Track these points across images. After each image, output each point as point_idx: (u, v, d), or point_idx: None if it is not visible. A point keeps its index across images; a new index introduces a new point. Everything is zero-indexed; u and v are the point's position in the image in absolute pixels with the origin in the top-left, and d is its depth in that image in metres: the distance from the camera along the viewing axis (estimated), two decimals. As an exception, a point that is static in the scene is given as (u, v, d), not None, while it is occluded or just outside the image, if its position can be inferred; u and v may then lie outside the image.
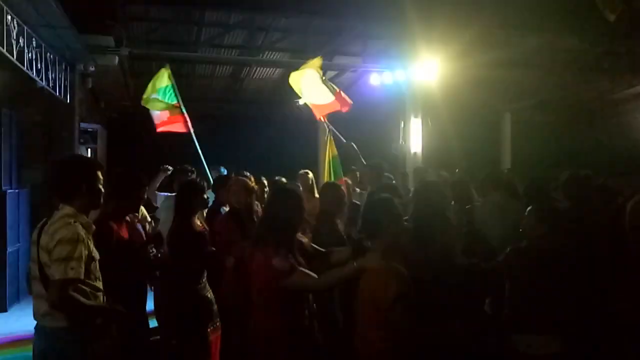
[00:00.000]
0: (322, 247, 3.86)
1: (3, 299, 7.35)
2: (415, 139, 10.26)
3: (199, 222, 4.41)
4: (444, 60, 9.19)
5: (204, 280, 4.33)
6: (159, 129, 7.05)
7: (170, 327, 4.24)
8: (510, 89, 11.78)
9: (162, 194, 6.12)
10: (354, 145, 6.83)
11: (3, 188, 7.55)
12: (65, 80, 8.24)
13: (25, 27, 6.31)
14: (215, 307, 4.36)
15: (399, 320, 2.85)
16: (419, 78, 9.59)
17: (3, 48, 5.70)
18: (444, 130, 10.70)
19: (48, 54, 7.29)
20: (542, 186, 5.02)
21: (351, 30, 9.86)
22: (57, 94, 7.88)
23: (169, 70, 7.08)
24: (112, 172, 3.89)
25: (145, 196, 4.25)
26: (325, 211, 4.59)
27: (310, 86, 7.18)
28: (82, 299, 2.70)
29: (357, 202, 5.76)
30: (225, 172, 7.45)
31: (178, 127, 7.03)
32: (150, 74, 11.83)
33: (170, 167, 6.42)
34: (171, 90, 6.98)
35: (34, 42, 6.67)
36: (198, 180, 4.88)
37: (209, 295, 4.33)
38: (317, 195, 6.05)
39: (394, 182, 6.36)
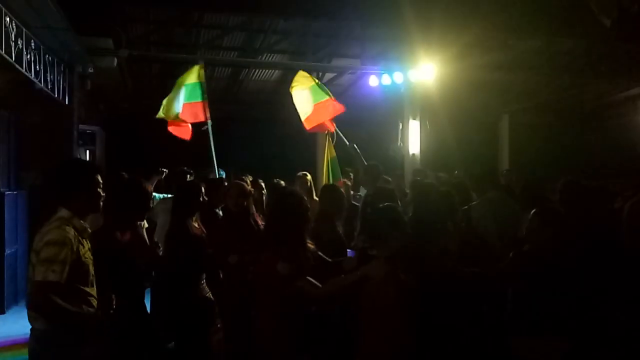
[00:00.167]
0: (322, 249, 3.85)
1: (1, 301, 7.35)
2: (413, 140, 10.26)
3: (196, 225, 4.40)
4: (441, 63, 9.20)
5: (202, 282, 4.33)
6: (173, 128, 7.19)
7: (170, 330, 4.24)
8: (508, 91, 11.80)
9: (159, 195, 6.10)
10: (356, 147, 6.85)
11: (1, 190, 7.59)
12: (64, 82, 8.23)
13: (24, 29, 6.31)
14: (215, 308, 4.36)
15: (399, 330, 2.86)
16: (417, 80, 9.60)
17: (2, 50, 5.68)
18: (442, 132, 10.71)
19: (47, 55, 7.29)
20: (540, 188, 5.04)
21: (349, 32, 9.87)
22: (56, 95, 7.88)
23: (202, 69, 7.18)
24: (112, 175, 3.89)
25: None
26: (325, 213, 4.60)
27: (304, 102, 7.23)
28: (62, 304, 2.63)
29: (356, 204, 5.77)
30: (224, 174, 7.45)
31: (184, 132, 7.13)
32: (150, 76, 11.99)
33: (164, 170, 6.42)
34: (198, 88, 7.04)
35: (32, 44, 6.67)
36: (195, 182, 4.89)
37: (208, 297, 4.33)
38: (315, 197, 6.07)
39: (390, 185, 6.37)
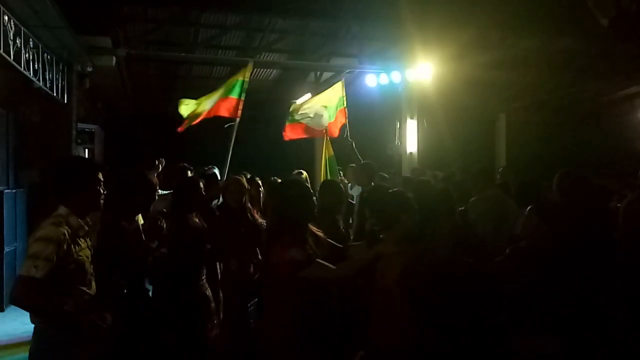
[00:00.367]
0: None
1: (0, 299, 7.36)
2: (411, 139, 10.28)
3: (197, 220, 4.42)
4: (439, 62, 9.22)
5: (203, 278, 4.36)
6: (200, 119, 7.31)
7: (169, 326, 4.23)
8: (505, 90, 11.81)
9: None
10: (353, 143, 6.89)
11: (0, 188, 7.57)
12: (62, 80, 8.23)
13: (23, 28, 6.31)
14: (213, 305, 4.40)
15: (402, 314, 2.88)
16: (414, 79, 9.61)
17: (0, 48, 5.70)
18: (439, 131, 10.73)
19: (45, 54, 7.29)
20: (537, 186, 5.05)
21: (348, 31, 9.89)
22: (54, 94, 7.88)
23: (250, 70, 7.49)
24: (114, 172, 3.91)
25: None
26: (325, 209, 4.58)
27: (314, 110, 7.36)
28: (42, 300, 2.63)
29: (352, 202, 5.79)
30: (217, 172, 7.47)
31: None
32: (148, 75, 12.01)
33: (161, 160, 6.44)
34: (239, 86, 7.28)
35: (31, 43, 6.67)
36: (195, 178, 4.94)
37: (207, 293, 4.35)
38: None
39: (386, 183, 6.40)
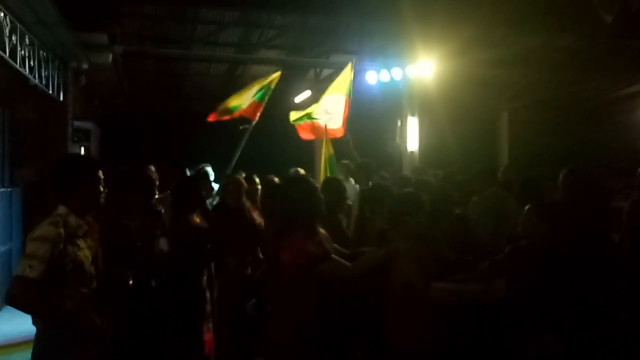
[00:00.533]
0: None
1: (-4, 300, 7.28)
2: (412, 137, 10.22)
3: (198, 219, 4.42)
4: (440, 59, 9.14)
5: (204, 278, 4.37)
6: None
7: (169, 326, 4.22)
8: (507, 88, 11.77)
9: None
10: (350, 141, 6.82)
11: (-5, 187, 7.51)
12: (58, 77, 8.18)
13: (18, 25, 6.24)
14: (209, 307, 4.40)
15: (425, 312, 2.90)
16: (415, 76, 9.53)
17: (-5, 45, 5.65)
18: (441, 129, 10.67)
19: (41, 51, 7.23)
20: (538, 185, 5.02)
21: (348, 28, 9.85)
22: (50, 91, 7.82)
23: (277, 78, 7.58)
24: (112, 169, 3.87)
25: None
26: (327, 208, 4.54)
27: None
28: (38, 300, 2.60)
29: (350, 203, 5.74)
30: (210, 170, 7.44)
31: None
32: (145, 72, 11.93)
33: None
34: (264, 91, 7.44)
35: (26, 40, 6.61)
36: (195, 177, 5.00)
37: (207, 295, 4.38)
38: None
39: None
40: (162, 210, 4.36)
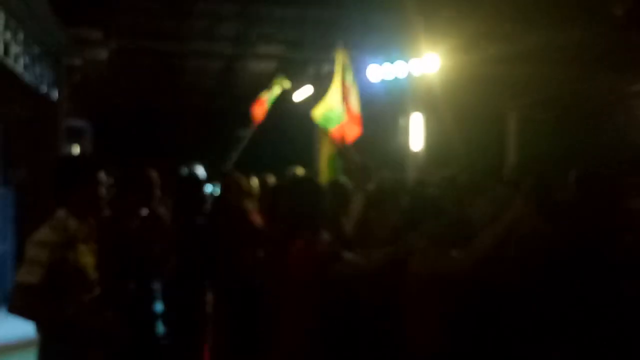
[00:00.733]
0: None
1: (-9, 299, 7.29)
2: (416, 135, 10.11)
3: (198, 220, 4.43)
4: (446, 55, 9.04)
5: (205, 280, 4.36)
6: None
7: (170, 327, 4.17)
8: (515, 85, 11.68)
9: None
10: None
11: (-13, 187, 7.54)
12: (51, 75, 8.12)
13: (11, 20, 6.13)
14: (210, 307, 4.42)
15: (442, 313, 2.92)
16: (420, 73, 9.42)
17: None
18: (446, 126, 10.58)
19: (34, 47, 7.14)
20: (546, 183, 4.99)
21: (350, 22, 9.70)
22: (43, 89, 7.77)
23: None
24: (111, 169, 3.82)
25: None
26: (330, 210, 4.50)
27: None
28: (40, 306, 2.60)
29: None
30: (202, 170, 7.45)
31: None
32: (140, 68, 11.82)
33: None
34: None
35: (20, 36, 6.52)
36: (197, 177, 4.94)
37: (208, 296, 4.39)
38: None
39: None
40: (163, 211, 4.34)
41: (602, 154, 11.18)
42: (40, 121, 8.47)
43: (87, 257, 2.80)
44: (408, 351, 3.12)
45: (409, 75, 9.61)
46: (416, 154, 9.89)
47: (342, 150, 6.67)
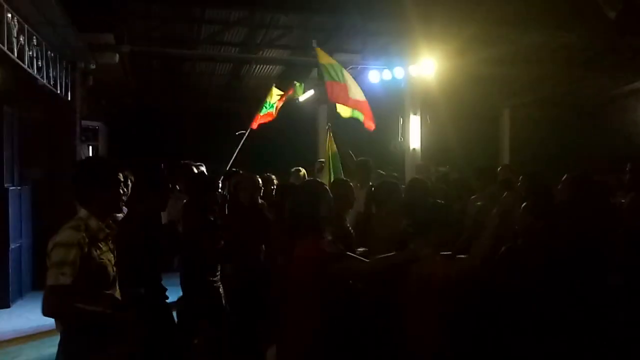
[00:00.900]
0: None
1: (6, 295, 7.42)
2: (414, 135, 10.21)
3: (212, 217, 4.47)
4: (442, 57, 9.15)
5: (217, 274, 4.43)
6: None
7: (184, 323, 4.27)
8: (509, 86, 11.73)
9: None
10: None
11: (5, 185, 7.63)
12: (66, 78, 8.29)
13: (26, 26, 6.33)
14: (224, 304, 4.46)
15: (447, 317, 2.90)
16: (418, 75, 9.56)
17: (4, 46, 5.73)
18: (443, 127, 10.67)
19: (49, 52, 7.32)
20: (541, 182, 5.02)
21: (351, 27, 9.84)
22: (58, 91, 7.93)
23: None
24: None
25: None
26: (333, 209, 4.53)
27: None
28: (77, 305, 2.60)
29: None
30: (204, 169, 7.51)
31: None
32: (151, 71, 12.01)
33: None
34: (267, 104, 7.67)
35: (34, 40, 6.70)
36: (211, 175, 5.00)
37: (221, 292, 4.44)
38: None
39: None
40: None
41: (593, 152, 11.24)
42: (55, 122, 8.65)
43: (107, 255, 2.82)
44: (408, 351, 3.07)
45: (407, 78, 9.78)
46: (414, 152, 9.94)
47: (342, 150, 6.83)
